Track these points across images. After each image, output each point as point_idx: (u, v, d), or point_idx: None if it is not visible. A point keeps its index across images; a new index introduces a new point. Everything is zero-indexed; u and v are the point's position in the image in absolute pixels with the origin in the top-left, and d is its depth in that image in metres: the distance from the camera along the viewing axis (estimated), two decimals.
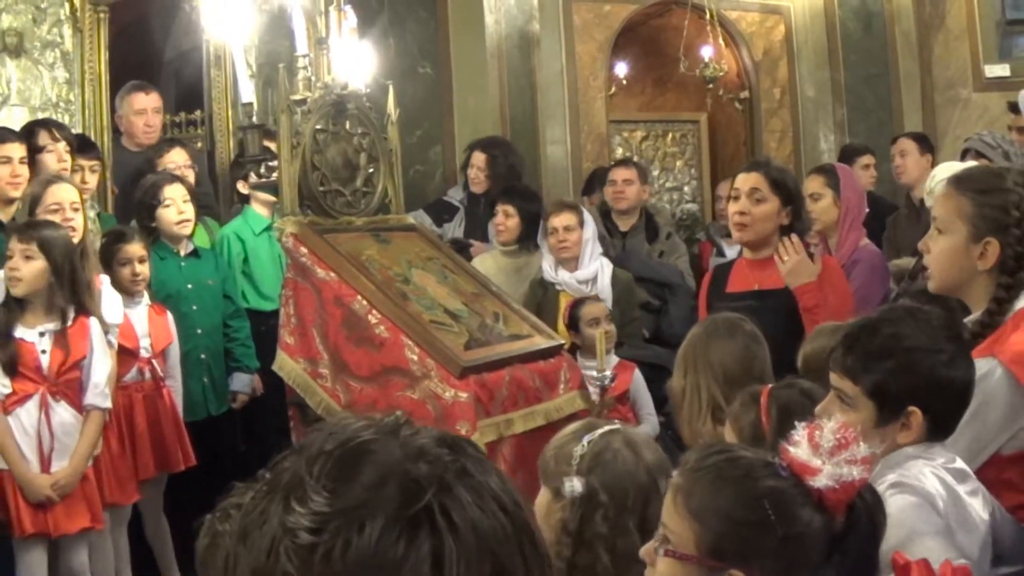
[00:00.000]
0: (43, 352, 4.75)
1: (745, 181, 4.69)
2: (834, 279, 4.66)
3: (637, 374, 5.78)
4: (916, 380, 2.54)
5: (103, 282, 5.19)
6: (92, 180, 5.95)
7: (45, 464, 4.74)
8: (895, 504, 2.34)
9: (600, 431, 2.76)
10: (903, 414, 2.54)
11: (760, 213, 4.63)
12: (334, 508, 1.11)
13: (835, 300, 4.54)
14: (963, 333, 2.69)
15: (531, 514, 1.22)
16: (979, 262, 3.11)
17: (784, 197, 4.66)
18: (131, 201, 6.49)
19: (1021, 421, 2.98)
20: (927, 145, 7.75)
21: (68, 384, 4.81)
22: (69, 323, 4.81)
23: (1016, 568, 2.66)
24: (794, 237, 4.61)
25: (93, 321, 4.90)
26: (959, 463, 2.60)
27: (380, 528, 1.09)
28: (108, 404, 4.95)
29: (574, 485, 2.64)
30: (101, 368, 4.92)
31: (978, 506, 2.58)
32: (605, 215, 7.45)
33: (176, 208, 5.84)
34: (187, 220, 5.90)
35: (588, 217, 6.48)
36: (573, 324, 5.74)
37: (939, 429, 2.58)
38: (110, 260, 5.42)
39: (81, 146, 5.97)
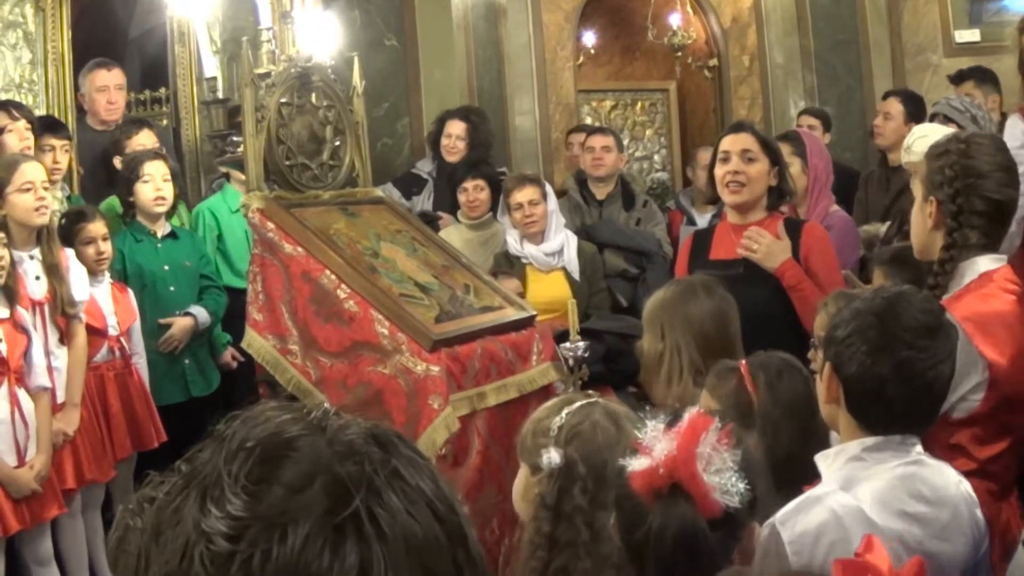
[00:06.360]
0: (0, 341, 4.63)
1: (735, 142, 4.63)
2: (819, 246, 4.60)
3: None
4: (831, 345, 2.58)
5: (69, 257, 5.14)
6: (64, 160, 5.90)
7: (21, 456, 4.65)
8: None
9: (579, 403, 2.73)
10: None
11: (754, 172, 4.58)
12: (253, 513, 1.03)
13: (822, 268, 4.50)
14: (945, 333, 2.59)
15: (466, 518, 1.13)
16: (929, 220, 3.30)
17: (772, 158, 4.64)
18: (98, 181, 6.45)
19: (971, 381, 3.02)
20: (914, 112, 6.93)
21: (22, 370, 4.71)
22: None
23: None
24: (753, 227, 4.56)
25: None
26: (914, 468, 2.52)
27: (303, 536, 1.01)
28: (50, 383, 4.86)
29: (552, 457, 2.60)
30: (39, 348, 4.82)
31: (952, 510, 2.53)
32: (582, 183, 7.45)
33: (154, 185, 5.82)
34: (163, 198, 5.86)
35: (550, 189, 6.52)
36: None
37: (859, 415, 2.55)
38: (72, 240, 5.35)
39: (52, 126, 5.94)
